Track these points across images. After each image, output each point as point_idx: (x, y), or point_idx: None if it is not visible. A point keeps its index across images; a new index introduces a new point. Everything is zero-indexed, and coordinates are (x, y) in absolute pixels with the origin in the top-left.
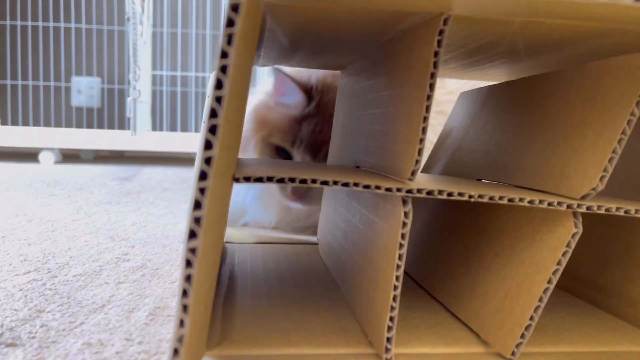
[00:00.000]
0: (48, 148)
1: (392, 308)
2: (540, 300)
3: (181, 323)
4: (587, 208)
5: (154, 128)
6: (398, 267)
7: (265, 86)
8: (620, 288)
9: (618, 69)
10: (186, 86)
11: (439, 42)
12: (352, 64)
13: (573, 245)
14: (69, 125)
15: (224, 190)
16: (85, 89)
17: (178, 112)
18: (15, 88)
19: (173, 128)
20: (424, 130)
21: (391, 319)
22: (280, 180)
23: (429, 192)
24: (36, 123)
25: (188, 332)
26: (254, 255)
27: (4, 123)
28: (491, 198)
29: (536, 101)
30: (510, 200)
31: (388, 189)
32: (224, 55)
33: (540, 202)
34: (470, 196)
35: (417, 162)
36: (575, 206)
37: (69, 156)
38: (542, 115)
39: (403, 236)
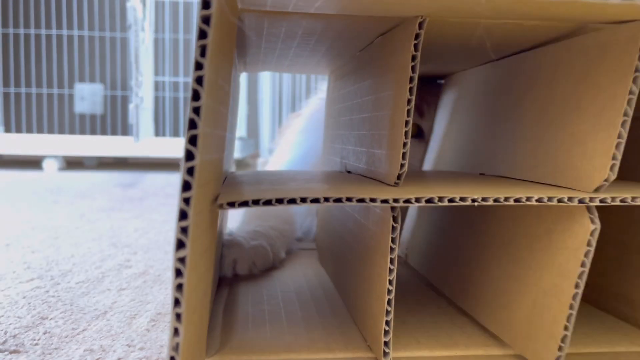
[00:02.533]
0: (51, 155)
1: (388, 312)
2: (572, 307)
3: (175, 332)
4: (601, 201)
5: (156, 134)
6: (391, 270)
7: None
8: (618, 288)
9: (607, 43)
10: (188, 92)
11: (416, 46)
12: (338, 68)
13: (594, 243)
14: (72, 132)
15: (210, 200)
16: (88, 96)
17: (180, 117)
18: (19, 96)
19: (176, 134)
20: (407, 134)
21: (387, 322)
22: (267, 203)
23: (428, 200)
24: (40, 130)
25: (184, 340)
26: None
27: (8, 131)
28: (496, 200)
29: (525, 84)
30: (517, 200)
31: (384, 201)
32: (199, 67)
33: (550, 199)
34: (474, 200)
35: (402, 166)
36: (587, 200)
37: (73, 163)
38: (533, 100)
39: (394, 240)
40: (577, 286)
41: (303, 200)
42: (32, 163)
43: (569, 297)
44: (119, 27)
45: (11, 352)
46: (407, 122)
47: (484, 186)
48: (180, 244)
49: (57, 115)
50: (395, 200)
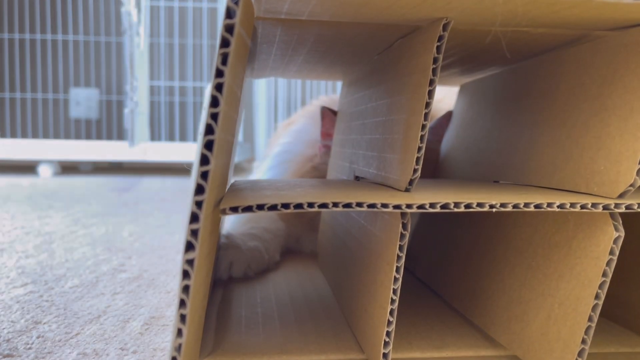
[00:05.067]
0: (47, 160)
1: (389, 322)
2: (590, 319)
3: (179, 332)
4: (627, 207)
5: (152, 138)
6: (396, 279)
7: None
8: (610, 290)
9: (634, 43)
10: (184, 96)
11: (438, 49)
12: (351, 73)
13: (617, 251)
14: (67, 137)
15: (214, 204)
16: (83, 101)
17: (176, 122)
18: (14, 101)
19: (171, 138)
20: (422, 138)
21: (388, 333)
22: (273, 208)
23: (443, 206)
24: (35, 135)
25: (185, 341)
26: None
27: (3, 136)
28: (515, 206)
29: (543, 88)
30: (537, 206)
31: (397, 206)
32: (219, 74)
33: (572, 205)
34: (492, 206)
35: (416, 171)
36: (612, 206)
37: (68, 168)
38: (553, 104)
39: (401, 248)
40: (597, 297)
41: (310, 205)
42: (27, 168)
43: (587, 308)
44: (114, 31)
45: (4, 357)
46: (423, 126)
47: (500, 192)
48: (189, 246)
49: (52, 120)
50: (409, 206)
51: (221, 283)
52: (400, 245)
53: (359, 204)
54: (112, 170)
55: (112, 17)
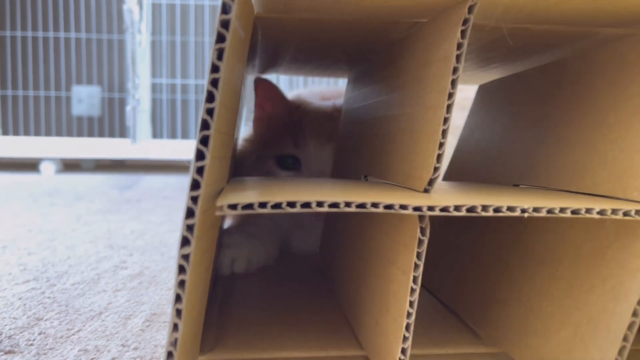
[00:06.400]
0: (49, 158)
1: (405, 338)
2: (626, 339)
3: (175, 327)
4: None
5: (154, 136)
6: (413, 291)
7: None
8: None
9: None
10: (186, 94)
11: (463, 34)
12: (357, 67)
13: None
14: (69, 134)
15: (214, 200)
16: (85, 98)
17: (178, 119)
18: (16, 98)
19: (173, 136)
20: (445, 133)
21: (403, 350)
22: (277, 206)
23: (470, 209)
24: (37, 133)
25: (182, 336)
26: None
27: (5, 133)
28: (550, 211)
29: (575, 87)
30: (574, 212)
31: (417, 208)
32: (215, 69)
33: (614, 212)
34: (524, 210)
35: (436, 169)
36: None
37: (70, 165)
38: (586, 103)
39: (419, 256)
40: (635, 313)
41: (320, 204)
42: (30, 165)
43: (622, 325)
44: (116, 29)
45: (6, 353)
46: (445, 120)
47: (529, 196)
48: (185, 241)
49: (54, 118)
50: (430, 209)
51: (223, 280)
52: (418, 252)
53: (375, 205)
54: (114, 168)
55: (114, 14)
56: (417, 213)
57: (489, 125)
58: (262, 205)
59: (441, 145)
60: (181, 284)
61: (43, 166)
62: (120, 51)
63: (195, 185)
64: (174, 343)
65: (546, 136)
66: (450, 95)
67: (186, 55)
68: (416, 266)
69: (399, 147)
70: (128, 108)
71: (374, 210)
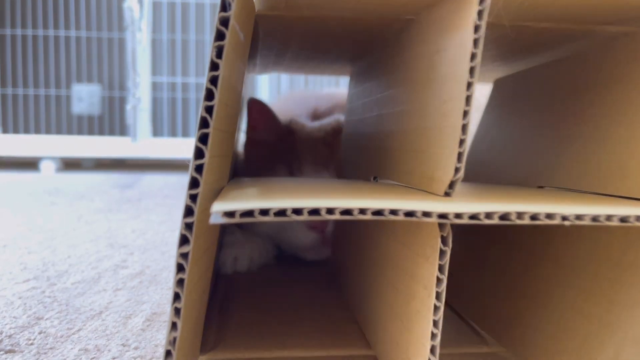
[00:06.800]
0: (49, 156)
1: None
2: None
3: (174, 326)
4: None
5: (154, 135)
6: (436, 309)
7: None
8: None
9: None
10: (186, 92)
11: (480, 15)
12: (360, 61)
13: None
14: (69, 133)
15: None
16: (86, 97)
17: (178, 118)
18: (16, 97)
19: (173, 134)
20: (465, 129)
21: None
22: (281, 213)
23: (503, 217)
24: (37, 131)
25: (180, 335)
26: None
27: (5, 132)
28: (595, 219)
29: (609, 79)
30: (623, 219)
31: (442, 215)
32: (214, 67)
33: None
34: (565, 218)
35: (457, 170)
36: None
37: (70, 164)
38: (623, 96)
39: (442, 269)
40: None
41: (330, 211)
42: (30, 164)
43: None
44: (117, 27)
45: (6, 352)
46: (465, 113)
47: (565, 200)
48: (184, 240)
49: (54, 116)
50: (458, 216)
51: (224, 279)
52: (440, 265)
53: (394, 212)
54: (114, 167)
55: (114, 12)
56: (442, 221)
57: (505, 122)
58: (264, 212)
59: (462, 142)
60: (180, 282)
61: (43, 165)
62: (121, 49)
63: (194, 183)
64: (172, 342)
65: (573, 133)
66: (469, 86)
67: (187, 53)
68: (439, 281)
69: (412, 146)
70: (128, 106)
71: (393, 218)
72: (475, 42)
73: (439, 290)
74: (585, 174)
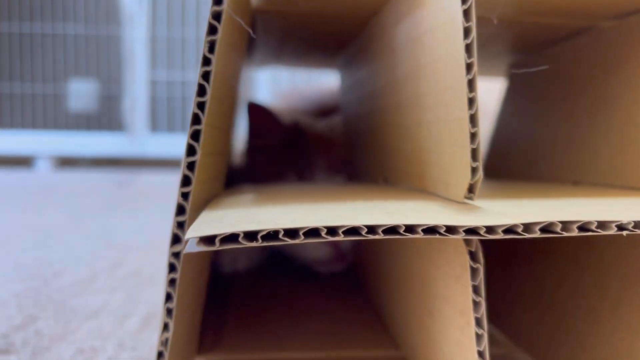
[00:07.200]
0: (44, 154)
1: None
2: None
3: (165, 326)
4: None
5: (151, 132)
6: (479, 337)
7: None
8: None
9: None
10: (184, 89)
11: None
12: (351, 47)
13: None
14: (65, 129)
15: (209, 197)
16: (82, 93)
17: (176, 115)
18: (11, 93)
19: (171, 131)
20: (474, 119)
21: None
22: (272, 237)
23: (544, 229)
24: (33, 128)
25: (173, 336)
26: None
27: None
28: None
29: (623, 59)
30: None
31: (471, 231)
32: (206, 62)
33: None
34: (621, 228)
35: (475, 171)
36: None
37: (66, 162)
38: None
39: (477, 290)
40: None
41: (332, 231)
42: (25, 162)
43: None
44: (114, 22)
45: (1, 352)
46: (470, 101)
47: (611, 202)
48: (175, 239)
49: (50, 113)
50: (490, 230)
51: (222, 278)
52: (474, 285)
53: (410, 229)
54: (110, 164)
55: (111, 8)
56: (471, 237)
57: (527, 112)
58: (250, 236)
59: (473, 136)
60: (172, 282)
61: (38, 162)
62: (118, 45)
63: (186, 181)
64: (164, 343)
65: (611, 120)
66: (469, 68)
67: (185, 50)
68: (476, 305)
69: (417, 144)
70: (125, 103)
71: (409, 236)
72: (466, 13)
73: (478, 316)
74: (631, 166)
